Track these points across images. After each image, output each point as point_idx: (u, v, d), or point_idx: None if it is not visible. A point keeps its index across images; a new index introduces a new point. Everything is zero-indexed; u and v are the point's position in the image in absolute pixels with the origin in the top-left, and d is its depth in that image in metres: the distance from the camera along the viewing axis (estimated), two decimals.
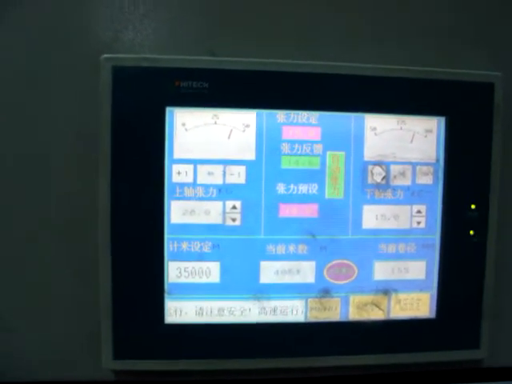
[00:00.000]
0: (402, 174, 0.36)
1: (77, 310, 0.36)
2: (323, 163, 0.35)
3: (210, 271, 0.35)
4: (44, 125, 0.35)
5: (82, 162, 0.35)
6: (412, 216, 0.37)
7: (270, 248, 0.36)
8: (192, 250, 0.35)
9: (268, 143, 0.35)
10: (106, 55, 0.34)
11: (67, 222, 0.36)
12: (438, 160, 0.36)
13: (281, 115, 0.35)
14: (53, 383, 0.37)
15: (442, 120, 0.36)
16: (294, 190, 0.35)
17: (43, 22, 0.35)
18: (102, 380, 0.37)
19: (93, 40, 0.35)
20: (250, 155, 0.35)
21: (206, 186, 0.35)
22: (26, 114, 0.35)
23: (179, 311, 0.35)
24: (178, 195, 0.35)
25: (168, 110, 0.34)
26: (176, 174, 0.34)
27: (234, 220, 0.35)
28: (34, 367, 0.37)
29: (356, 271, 0.36)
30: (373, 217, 0.36)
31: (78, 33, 0.35)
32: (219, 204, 0.35)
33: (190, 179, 0.35)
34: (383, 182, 0.36)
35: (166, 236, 0.35)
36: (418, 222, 0.37)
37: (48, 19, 0.35)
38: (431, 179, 0.37)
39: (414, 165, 0.36)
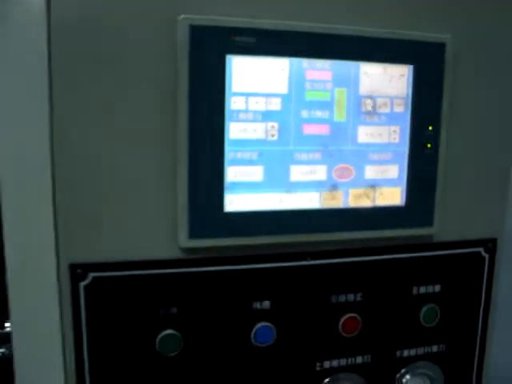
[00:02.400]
0: (384, 104, 0.52)
1: (157, 203, 0.50)
2: (332, 96, 0.51)
3: (256, 173, 0.50)
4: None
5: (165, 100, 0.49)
6: (390, 134, 0.53)
7: (297, 156, 0.51)
8: (244, 157, 0.50)
9: (296, 82, 0.50)
10: (184, 15, 0.47)
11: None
12: (407, 95, 0.53)
13: (305, 62, 0.50)
14: (136, 263, 0.50)
15: (411, 68, 0.52)
16: (313, 114, 0.51)
17: None
18: (179, 258, 0.51)
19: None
20: (284, 90, 0.50)
21: (254, 112, 0.49)
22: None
23: (234, 202, 0.50)
24: (234, 118, 0.49)
25: (227, 57, 0.48)
26: (233, 103, 0.49)
27: (273, 136, 0.50)
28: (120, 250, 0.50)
29: (354, 172, 0.53)
30: (365, 134, 0.52)
31: None
32: (263, 125, 0.49)
33: (243, 107, 0.49)
34: (372, 110, 0.52)
35: (226, 148, 0.49)
36: (394, 138, 0.53)
37: None
38: (403, 109, 0.53)
39: (391, 98, 0.53)
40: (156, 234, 0.50)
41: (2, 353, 0.84)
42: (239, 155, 0.49)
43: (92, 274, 0.49)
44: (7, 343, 0.89)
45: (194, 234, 0.49)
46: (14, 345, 0.51)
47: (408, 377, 0.59)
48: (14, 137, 0.47)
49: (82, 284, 0.49)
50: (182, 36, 0.47)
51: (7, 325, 0.90)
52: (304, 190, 0.51)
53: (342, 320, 0.55)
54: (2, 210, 0.48)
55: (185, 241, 0.49)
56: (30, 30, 0.45)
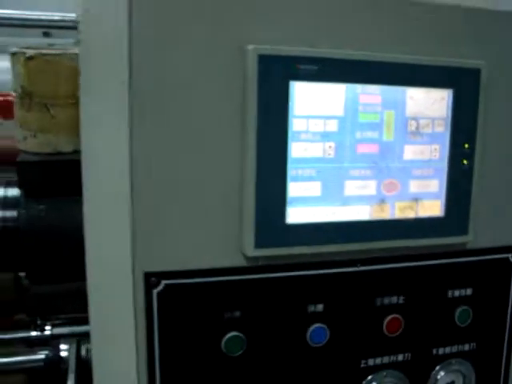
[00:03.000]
0: (427, 125, 0.58)
1: (224, 216, 0.54)
2: (382, 118, 0.56)
3: (315, 188, 0.55)
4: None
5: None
6: (431, 151, 0.58)
7: (351, 172, 0.56)
8: (304, 174, 0.54)
9: (351, 105, 0.55)
10: (253, 45, 0.52)
11: None
12: (447, 116, 0.58)
13: (359, 87, 0.55)
14: (204, 270, 0.55)
15: (451, 92, 0.58)
16: (365, 135, 0.56)
17: None
18: (243, 266, 0.55)
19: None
20: (340, 113, 0.55)
21: (314, 133, 0.54)
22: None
23: (295, 215, 0.55)
24: (296, 139, 0.54)
25: (291, 83, 0.53)
26: (295, 124, 0.53)
27: (329, 154, 0.55)
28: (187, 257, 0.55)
29: (399, 186, 0.58)
30: (409, 152, 0.58)
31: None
32: (321, 144, 0.54)
33: (303, 128, 0.54)
34: (416, 130, 0.57)
35: (289, 165, 0.54)
36: (435, 155, 0.59)
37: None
38: (443, 129, 0.58)
39: (433, 119, 0.58)
40: (222, 245, 0.55)
41: (46, 355, 0.88)
42: (300, 172, 0.54)
43: (164, 282, 0.54)
44: (48, 346, 0.93)
45: (259, 243, 0.54)
46: (93, 346, 0.55)
47: (442, 373, 0.64)
48: (97, 152, 0.51)
49: (155, 291, 0.54)
50: (251, 64, 0.51)
51: (47, 328, 0.94)
52: (356, 203, 0.56)
53: (386, 320, 0.60)
54: (85, 223, 0.52)
55: (251, 250, 0.54)
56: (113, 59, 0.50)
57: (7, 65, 0.93)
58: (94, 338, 0.54)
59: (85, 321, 0.99)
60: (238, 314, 0.56)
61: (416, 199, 0.59)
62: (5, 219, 0.63)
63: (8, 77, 0.92)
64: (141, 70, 0.50)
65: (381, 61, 0.55)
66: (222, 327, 0.55)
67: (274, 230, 0.54)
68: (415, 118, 0.57)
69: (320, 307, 0.58)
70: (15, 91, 0.65)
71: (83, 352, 0.91)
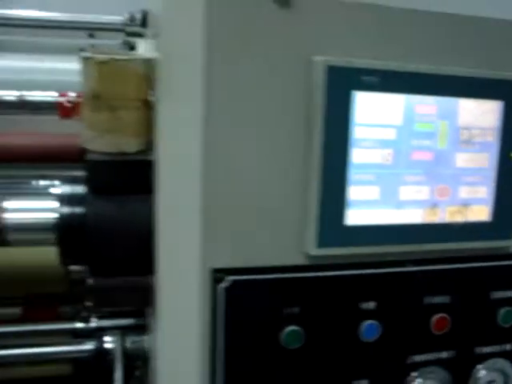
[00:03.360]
0: (478, 134, 0.61)
1: (287, 217, 0.58)
2: (436, 127, 0.59)
3: (373, 192, 0.58)
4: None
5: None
6: (481, 160, 0.62)
7: (406, 178, 0.59)
8: (363, 179, 0.58)
9: (408, 115, 0.58)
10: (319, 57, 0.55)
11: None
12: (497, 127, 0.62)
13: (416, 98, 0.58)
14: (267, 268, 0.58)
15: (501, 103, 0.61)
16: (420, 143, 0.59)
17: None
18: (304, 264, 0.59)
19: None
20: (399, 122, 0.58)
21: (374, 140, 0.57)
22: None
23: (354, 217, 0.58)
24: (357, 145, 0.57)
25: (353, 93, 0.56)
26: (357, 132, 0.57)
27: (387, 160, 0.58)
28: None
29: (450, 192, 0.61)
30: (461, 160, 0.61)
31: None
32: (380, 151, 0.58)
33: (364, 136, 0.57)
34: (467, 139, 0.61)
35: (350, 171, 0.57)
36: (484, 163, 0.62)
37: None
38: (492, 138, 0.62)
39: (483, 129, 0.61)
40: (285, 244, 0.58)
41: (95, 345, 0.91)
42: (360, 177, 0.58)
43: (231, 278, 0.57)
44: (91, 337, 0.96)
45: (320, 243, 0.57)
46: (158, 339, 0.58)
47: (484, 372, 0.68)
48: (172, 154, 0.55)
49: (222, 286, 0.57)
50: (318, 74, 0.55)
51: (93, 320, 0.98)
52: (410, 207, 0.60)
53: (434, 319, 0.64)
54: (157, 221, 0.56)
55: (313, 249, 0.57)
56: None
57: (66, 66, 0.97)
58: (161, 328, 0.58)
59: (127, 314, 1.03)
60: (296, 309, 0.59)
61: (465, 204, 0.62)
62: (72, 215, 0.67)
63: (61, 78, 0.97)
64: (215, 80, 0.54)
65: (436, 73, 0.59)
66: (281, 321, 0.59)
67: (334, 231, 0.58)
68: (467, 128, 0.61)
69: (372, 305, 0.62)
70: (84, 93, 0.68)
71: (128, 344, 0.95)
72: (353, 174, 0.57)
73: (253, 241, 0.57)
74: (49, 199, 0.68)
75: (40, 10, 1.05)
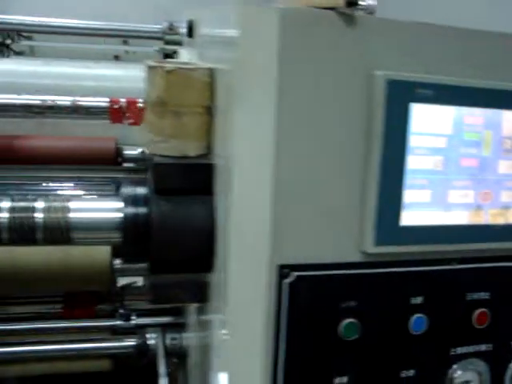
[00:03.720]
0: None
1: (347, 218, 0.63)
2: (482, 137, 0.65)
3: (425, 195, 0.63)
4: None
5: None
6: None
7: (454, 183, 0.64)
8: (417, 183, 0.63)
9: (458, 125, 0.64)
10: (380, 71, 0.60)
11: None
12: None
13: (465, 110, 0.64)
14: (328, 264, 0.63)
15: None
16: (468, 151, 0.65)
17: None
18: (361, 261, 0.64)
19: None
20: (449, 131, 0.63)
21: (427, 148, 0.63)
22: None
23: (408, 218, 0.63)
24: (412, 153, 0.62)
25: (410, 104, 0.61)
26: (412, 141, 0.62)
27: (438, 167, 0.63)
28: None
29: (493, 196, 0.67)
30: (503, 166, 0.66)
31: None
32: (432, 158, 0.63)
33: (418, 144, 0.62)
34: (510, 148, 0.66)
35: (405, 176, 0.62)
36: None
37: None
38: None
39: None
40: (345, 243, 0.63)
41: (136, 342, 0.95)
42: (414, 181, 0.63)
43: (295, 273, 0.62)
44: (133, 334, 1.00)
45: (378, 242, 0.62)
46: (228, 330, 0.63)
47: None
48: (245, 159, 0.59)
49: (287, 281, 0.62)
50: (379, 88, 0.60)
51: (133, 317, 1.02)
52: (457, 209, 0.65)
53: (475, 314, 0.69)
54: (229, 221, 0.60)
55: (371, 247, 0.62)
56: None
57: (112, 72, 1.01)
58: (229, 323, 0.62)
59: (166, 312, 1.07)
60: (354, 303, 0.64)
61: (506, 207, 0.67)
62: (136, 215, 0.71)
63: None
64: (287, 90, 0.59)
65: (483, 87, 0.64)
66: (339, 314, 0.64)
67: (390, 231, 0.63)
68: (509, 138, 0.66)
69: (420, 299, 0.67)
70: (149, 100, 0.73)
71: (168, 341, 0.99)
72: (408, 179, 0.62)
73: (316, 239, 0.62)
74: (114, 200, 0.72)
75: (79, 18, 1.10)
